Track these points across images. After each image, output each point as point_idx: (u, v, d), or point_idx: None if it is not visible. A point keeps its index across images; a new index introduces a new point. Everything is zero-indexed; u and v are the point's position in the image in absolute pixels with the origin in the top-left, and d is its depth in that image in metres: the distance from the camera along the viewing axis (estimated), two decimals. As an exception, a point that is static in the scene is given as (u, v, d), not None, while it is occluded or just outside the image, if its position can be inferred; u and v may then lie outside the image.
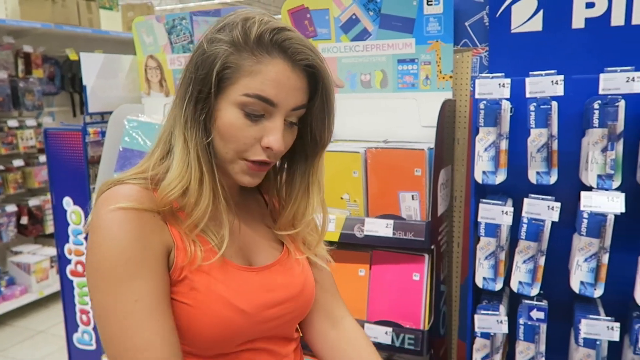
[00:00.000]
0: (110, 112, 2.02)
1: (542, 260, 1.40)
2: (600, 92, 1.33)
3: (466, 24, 1.69)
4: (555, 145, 1.41)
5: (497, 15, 1.60)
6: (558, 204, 1.35)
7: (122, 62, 2.20)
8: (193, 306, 0.80)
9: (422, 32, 1.67)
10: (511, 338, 1.50)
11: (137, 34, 2.15)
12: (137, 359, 0.74)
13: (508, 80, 1.40)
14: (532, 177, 1.43)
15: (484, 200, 1.42)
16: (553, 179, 1.41)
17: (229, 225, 0.84)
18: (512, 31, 1.59)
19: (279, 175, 0.99)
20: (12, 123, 3.99)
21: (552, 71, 1.36)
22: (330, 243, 1.35)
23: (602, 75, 1.32)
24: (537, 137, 1.42)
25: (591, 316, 1.34)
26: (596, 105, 1.35)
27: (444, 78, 1.69)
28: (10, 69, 3.99)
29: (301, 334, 1.04)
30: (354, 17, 1.75)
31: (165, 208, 0.80)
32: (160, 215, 0.80)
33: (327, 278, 1.04)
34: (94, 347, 2.08)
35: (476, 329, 1.44)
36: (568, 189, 1.46)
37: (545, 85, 1.36)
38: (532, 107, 1.41)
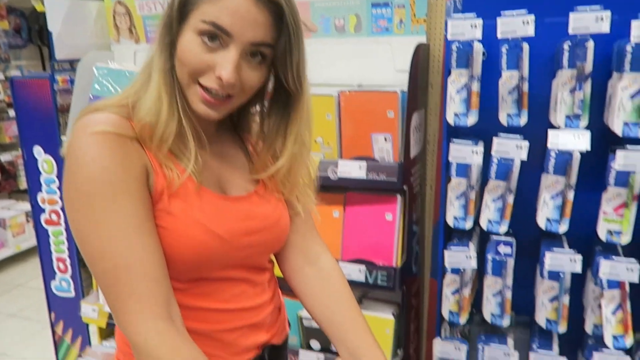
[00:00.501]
0: (79, 60, 1.97)
1: (510, 199, 1.45)
2: (570, 32, 1.34)
3: (440, -35, 1.67)
4: (525, 87, 1.43)
5: (471, -44, 1.58)
6: (526, 143, 1.38)
7: (90, 8, 2.13)
8: (169, 230, 0.81)
9: (396, -27, 1.65)
10: (480, 275, 1.56)
11: (103, -23, 2.07)
12: (126, 275, 0.76)
13: (480, 21, 1.40)
14: (503, 119, 1.45)
15: (454, 140, 1.45)
16: (523, 120, 1.44)
17: (195, 143, 0.85)
18: (486, -28, 1.58)
19: (260, 121, 0.99)
20: (-22, 77, 3.88)
21: (523, 10, 1.36)
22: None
23: (571, 15, 1.33)
24: (508, 79, 1.44)
25: (555, 249, 1.39)
26: (566, 47, 1.37)
27: (417, 22, 1.68)
28: (-28, 20, 3.83)
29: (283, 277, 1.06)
30: (327, -41, 1.72)
31: (142, 133, 0.81)
32: (137, 142, 0.81)
33: (303, 218, 1.05)
34: (72, 294, 2.10)
35: (446, 265, 1.49)
36: (538, 131, 1.49)
37: (517, 25, 1.37)
38: (504, 49, 1.42)
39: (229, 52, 0.80)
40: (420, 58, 1.62)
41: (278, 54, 0.85)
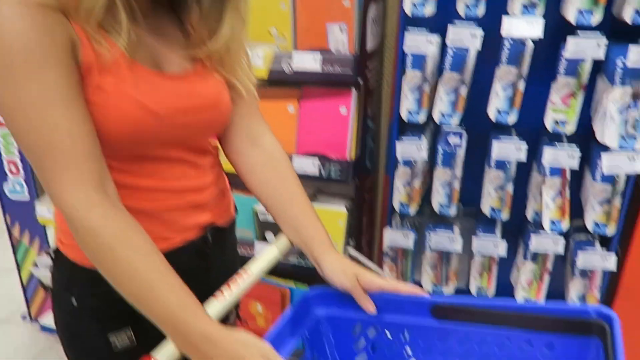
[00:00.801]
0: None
1: (464, 91, 1.44)
2: None
3: None
4: (485, -24, 1.39)
5: None
6: (480, 31, 1.36)
7: None
8: (101, 105, 0.78)
9: None
10: (432, 169, 1.59)
11: None
12: (55, 148, 0.74)
13: None
14: (461, 10, 1.42)
15: (409, 29, 1.42)
16: (481, 11, 1.41)
17: (127, 16, 0.80)
18: None
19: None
20: None
21: None
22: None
23: None
24: (468, -32, 1.39)
25: (502, 137, 1.42)
26: None
27: None
28: None
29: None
30: None
31: (66, 4, 0.76)
32: (62, 13, 0.76)
33: (246, 99, 1.03)
34: (27, 197, 2.06)
35: (397, 156, 1.50)
36: (497, 22, 1.46)
37: None
38: None
39: None
40: (379, -54, 1.55)
41: None
